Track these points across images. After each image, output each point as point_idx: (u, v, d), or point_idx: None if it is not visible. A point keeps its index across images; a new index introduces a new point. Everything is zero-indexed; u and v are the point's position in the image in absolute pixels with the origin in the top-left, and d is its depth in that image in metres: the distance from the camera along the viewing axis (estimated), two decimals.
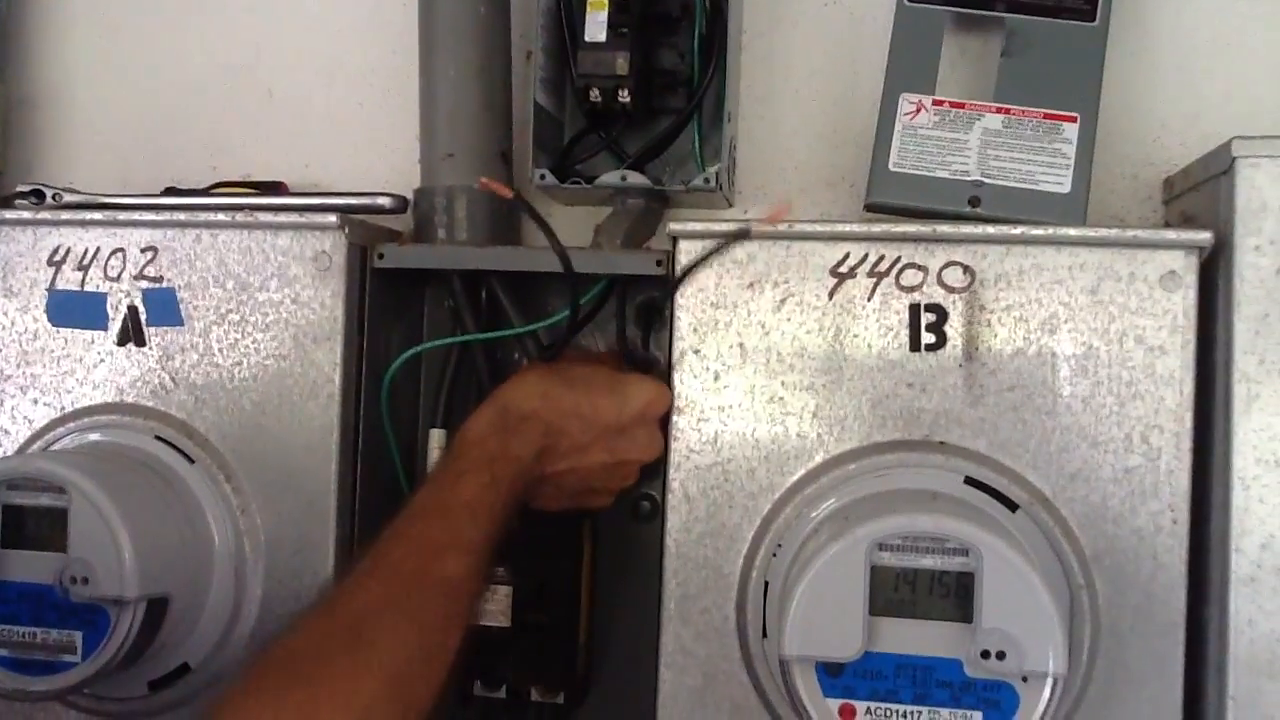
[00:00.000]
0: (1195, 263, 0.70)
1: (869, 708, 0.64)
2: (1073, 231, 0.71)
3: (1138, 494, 0.70)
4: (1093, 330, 0.71)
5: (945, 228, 0.72)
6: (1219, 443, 0.69)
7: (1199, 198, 0.76)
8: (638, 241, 0.86)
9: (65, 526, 0.73)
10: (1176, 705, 0.69)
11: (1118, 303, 0.71)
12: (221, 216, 0.81)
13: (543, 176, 0.84)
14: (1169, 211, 0.84)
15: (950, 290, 0.72)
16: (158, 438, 0.81)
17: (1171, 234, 0.70)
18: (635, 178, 0.83)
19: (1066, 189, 0.77)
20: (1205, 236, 0.69)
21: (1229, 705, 0.67)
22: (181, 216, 0.82)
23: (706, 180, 0.82)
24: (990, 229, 0.72)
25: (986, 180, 0.78)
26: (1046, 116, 0.79)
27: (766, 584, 0.72)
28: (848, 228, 0.73)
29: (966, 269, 0.72)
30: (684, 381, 0.75)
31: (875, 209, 0.80)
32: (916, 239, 0.73)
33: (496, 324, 0.87)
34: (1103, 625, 0.70)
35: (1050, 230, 0.71)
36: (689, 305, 0.75)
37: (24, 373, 0.84)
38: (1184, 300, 0.70)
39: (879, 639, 0.64)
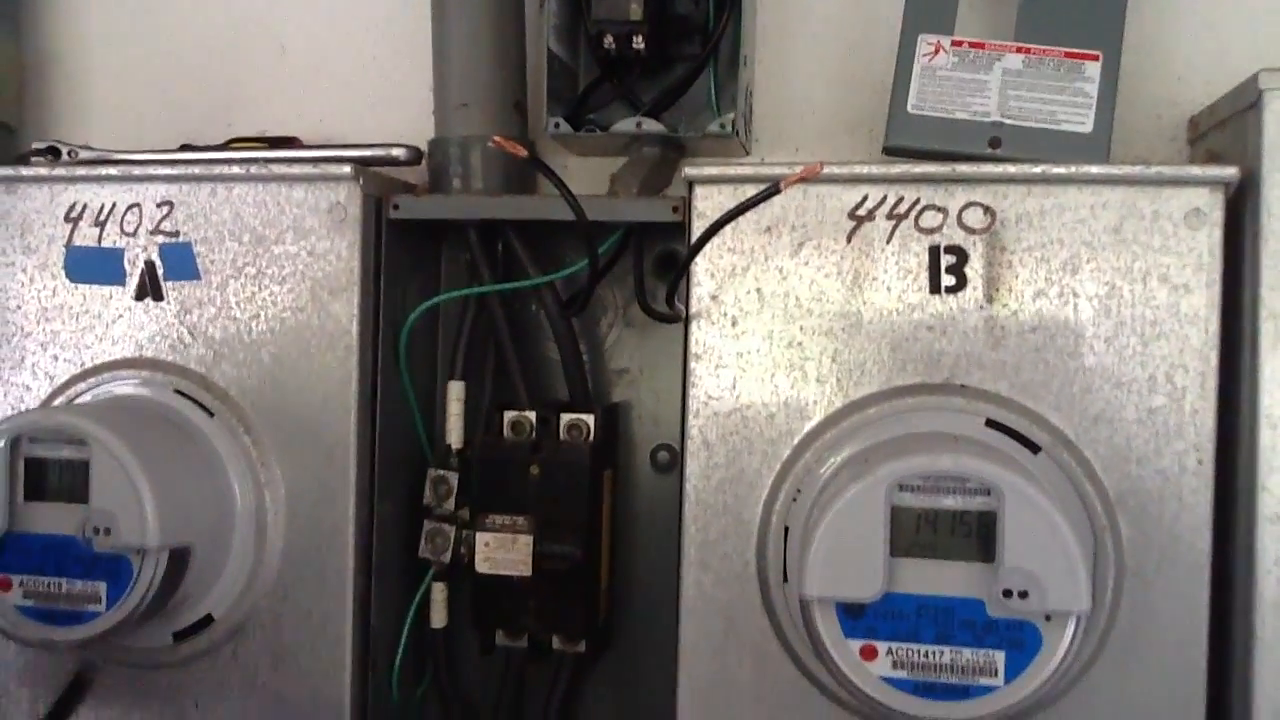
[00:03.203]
0: (1221, 199, 0.69)
1: (890, 648, 0.63)
2: (1095, 169, 0.70)
3: (1162, 435, 0.69)
4: (1115, 270, 0.70)
5: (965, 168, 0.71)
6: (1245, 381, 0.68)
7: (1225, 134, 0.75)
8: (654, 190, 0.85)
9: (87, 478, 0.74)
10: (1202, 646, 0.68)
11: (1141, 241, 0.70)
12: (236, 170, 0.81)
13: (557, 125, 0.83)
14: (1194, 151, 0.82)
15: (970, 231, 0.71)
16: (177, 391, 0.81)
17: (1196, 170, 0.69)
18: (651, 125, 0.83)
19: (1089, 129, 0.76)
20: (1231, 172, 0.68)
21: (1255, 645, 0.66)
22: (196, 170, 0.82)
23: (723, 126, 0.81)
24: (1011, 168, 0.71)
25: (1007, 121, 0.77)
26: (1068, 55, 0.77)
27: (786, 529, 0.72)
28: (865, 169, 0.72)
29: (987, 209, 0.71)
30: (702, 328, 0.74)
31: (894, 152, 0.79)
32: (936, 180, 0.71)
33: (513, 275, 0.87)
34: (1127, 566, 0.69)
35: (1072, 169, 0.70)
36: (706, 251, 0.74)
37: (44, 329, 0.84)
38: (1209, 238, 0.69)
39: (900, 580, 0.64)
